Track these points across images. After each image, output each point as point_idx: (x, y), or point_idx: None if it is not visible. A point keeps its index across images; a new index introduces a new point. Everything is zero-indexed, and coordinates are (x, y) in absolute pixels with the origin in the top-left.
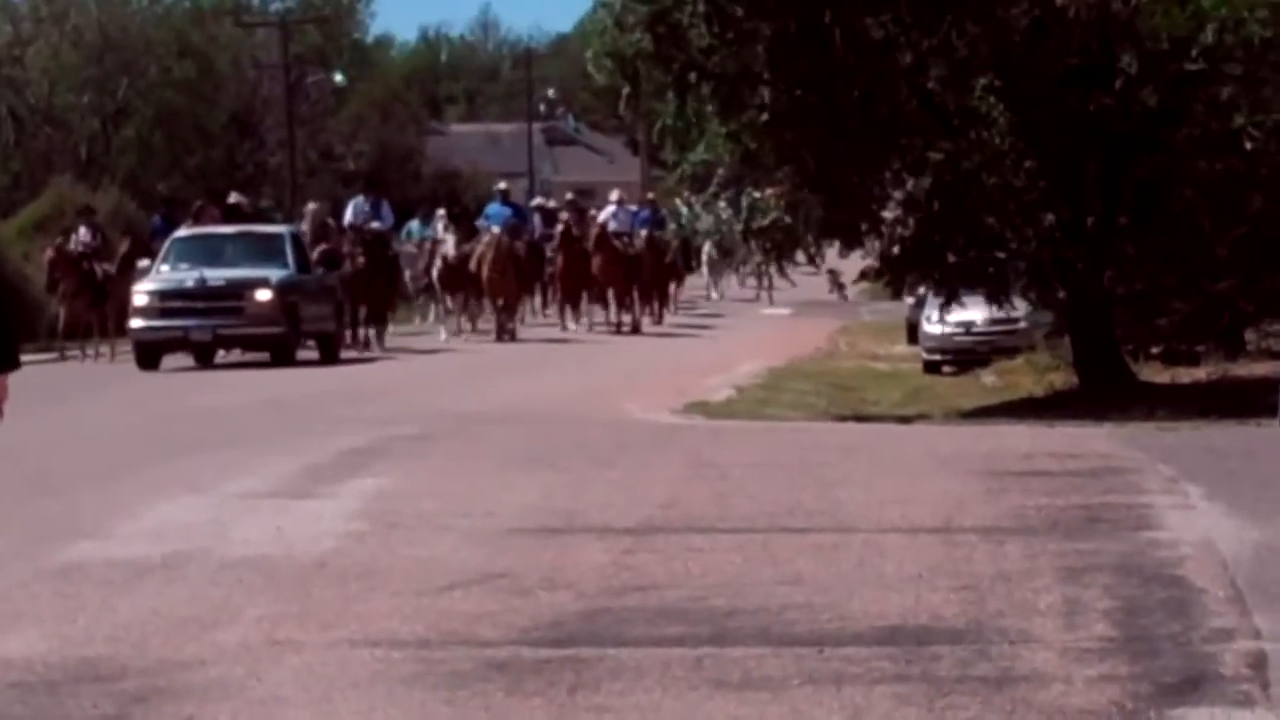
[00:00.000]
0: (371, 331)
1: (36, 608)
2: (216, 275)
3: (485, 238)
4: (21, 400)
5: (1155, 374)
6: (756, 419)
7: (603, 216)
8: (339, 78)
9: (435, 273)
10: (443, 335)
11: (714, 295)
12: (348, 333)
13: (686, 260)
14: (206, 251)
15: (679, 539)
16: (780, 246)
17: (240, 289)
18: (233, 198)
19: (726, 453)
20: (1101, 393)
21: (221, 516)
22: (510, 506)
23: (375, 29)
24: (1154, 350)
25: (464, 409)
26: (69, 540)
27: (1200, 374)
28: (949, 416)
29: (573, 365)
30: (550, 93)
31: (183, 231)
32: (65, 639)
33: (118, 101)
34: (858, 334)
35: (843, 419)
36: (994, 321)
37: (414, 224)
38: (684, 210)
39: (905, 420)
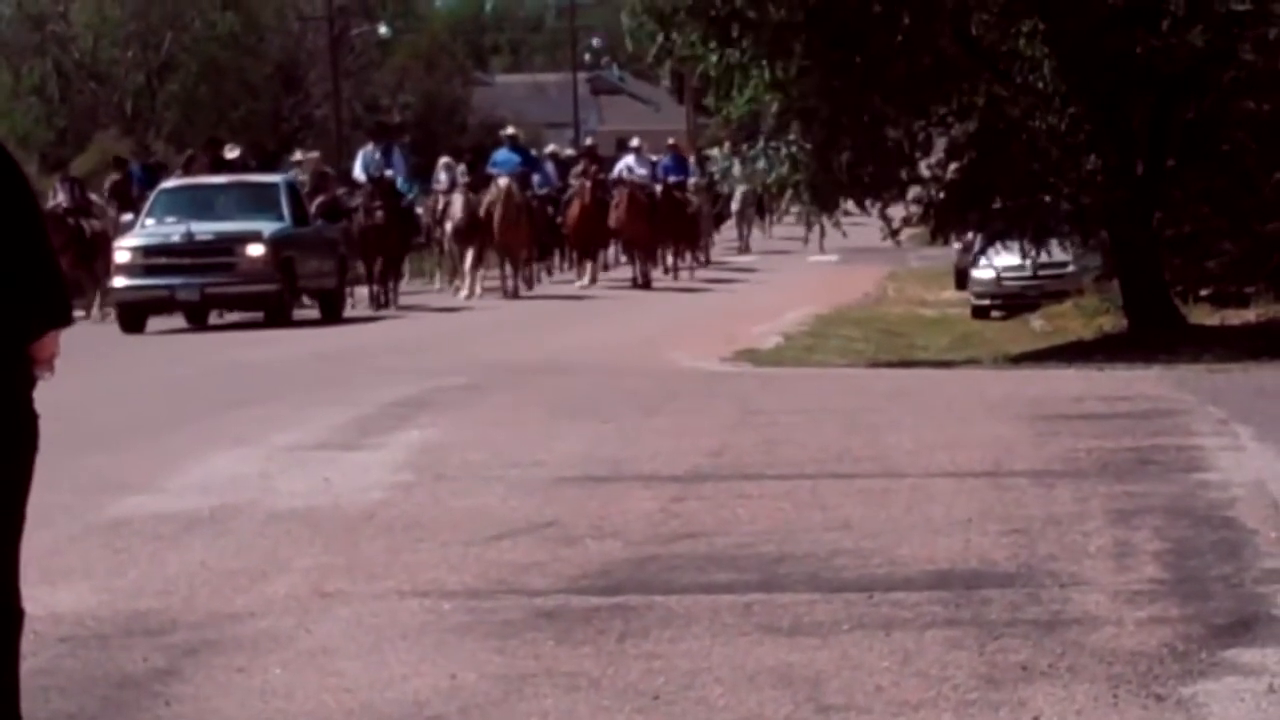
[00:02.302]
0: (389, 287)
1: (87, 562)
2: (204, 229)
3: (494, 187)
4: (64, 356)
5: (1204, 316)
6: (804, 366)
7: (618, 168)
8: (383, 29)
9: (449, 227)
10: (462, 293)
11: (745, 247)
12: (361, 289)
13: (719, 211)
14: (194, 203)
15: (728, 486)
16: (822, 197)
17: (230, 244)
18: (229, 152)
19: (775, 400)
20: (1151, 335)
21: (269, 469)
22: (558, 456)
23: None
24: (1203, 292)
25: (505, 360)
26: (118, 494)
27: (1250, 315)
28: (998, 361)
29: (614, 317)
30: (595, 42)
31: (169, 182)
32: (115, 593)
33: (162, 56)
34: (905, 280)
35: (891, 365)
36: (1042, 266)
37: (398, 181)
38: (720, 159)
39: (953, 365)
